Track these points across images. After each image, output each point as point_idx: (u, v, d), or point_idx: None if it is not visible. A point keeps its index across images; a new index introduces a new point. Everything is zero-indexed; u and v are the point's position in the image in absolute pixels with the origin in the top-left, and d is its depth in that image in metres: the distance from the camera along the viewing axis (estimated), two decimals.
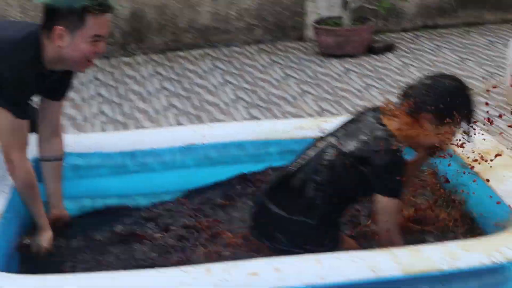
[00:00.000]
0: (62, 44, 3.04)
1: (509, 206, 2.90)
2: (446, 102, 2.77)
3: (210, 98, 6.13)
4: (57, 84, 3.30)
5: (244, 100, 6.05)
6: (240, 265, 2.57)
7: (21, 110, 3.12)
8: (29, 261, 3.18)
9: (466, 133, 2.88)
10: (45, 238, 3.25)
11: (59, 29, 3.00)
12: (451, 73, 6.25)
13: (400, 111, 2.84)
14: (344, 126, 2.94)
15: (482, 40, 7.41)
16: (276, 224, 2.91)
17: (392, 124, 2.82)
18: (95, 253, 3.22)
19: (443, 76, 2.93)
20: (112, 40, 7.22)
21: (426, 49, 7.19)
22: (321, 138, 2.97)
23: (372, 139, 2.83)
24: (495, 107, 5.47)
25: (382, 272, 2.47)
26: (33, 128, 3.39)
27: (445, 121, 2.77)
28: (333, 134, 2.94)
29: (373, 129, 2.85)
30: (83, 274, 2.71)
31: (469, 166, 3.27)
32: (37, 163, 3.46)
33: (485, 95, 5.69)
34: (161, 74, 6.83)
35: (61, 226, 3.38)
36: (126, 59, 7.35)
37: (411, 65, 6.74)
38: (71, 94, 5.86)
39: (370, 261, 2.50)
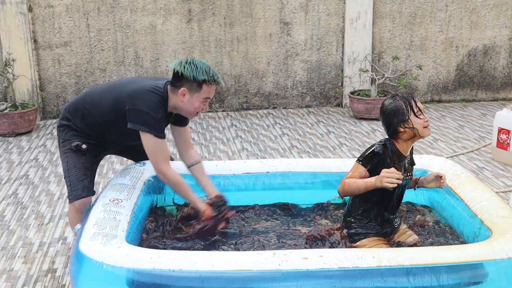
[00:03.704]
0: (183, 100, 3.23)
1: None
2: (391, 117, 2.98)
3: (271, 144, 6.27)
4: (183, 117, 3.42)
5: (297, 147, 6.17)
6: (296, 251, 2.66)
7: (160, 131, 3.21)
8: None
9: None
10: (208, 211, 3.31)
11: (183, 89, 3.20)
12: (452, 137, 6.50)
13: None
14: None
15: (476, 112, 7.45)
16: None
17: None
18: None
19: (390, 97, 3.05)
20: None
21: (433, 117, 7.20)
22: None
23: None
24: (483, 161, 5.67)
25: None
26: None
27: (404, 124, 2.97)
28: None
29: None
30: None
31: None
32: None
33: (476, 152, 5.99)
34: (236, 126, 7.02)
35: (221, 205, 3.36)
36: (210, 114, 7.56)
37: None
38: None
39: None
